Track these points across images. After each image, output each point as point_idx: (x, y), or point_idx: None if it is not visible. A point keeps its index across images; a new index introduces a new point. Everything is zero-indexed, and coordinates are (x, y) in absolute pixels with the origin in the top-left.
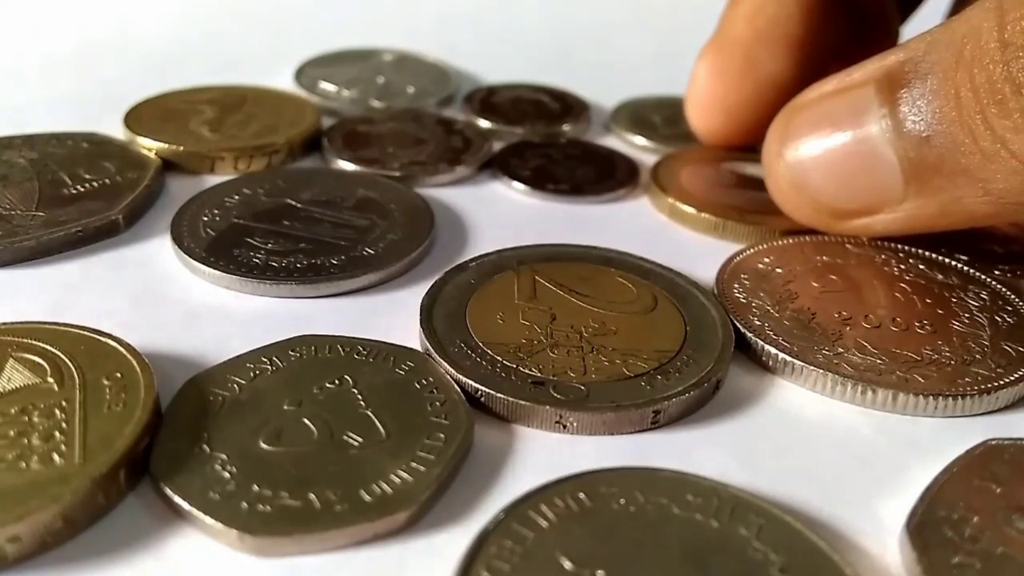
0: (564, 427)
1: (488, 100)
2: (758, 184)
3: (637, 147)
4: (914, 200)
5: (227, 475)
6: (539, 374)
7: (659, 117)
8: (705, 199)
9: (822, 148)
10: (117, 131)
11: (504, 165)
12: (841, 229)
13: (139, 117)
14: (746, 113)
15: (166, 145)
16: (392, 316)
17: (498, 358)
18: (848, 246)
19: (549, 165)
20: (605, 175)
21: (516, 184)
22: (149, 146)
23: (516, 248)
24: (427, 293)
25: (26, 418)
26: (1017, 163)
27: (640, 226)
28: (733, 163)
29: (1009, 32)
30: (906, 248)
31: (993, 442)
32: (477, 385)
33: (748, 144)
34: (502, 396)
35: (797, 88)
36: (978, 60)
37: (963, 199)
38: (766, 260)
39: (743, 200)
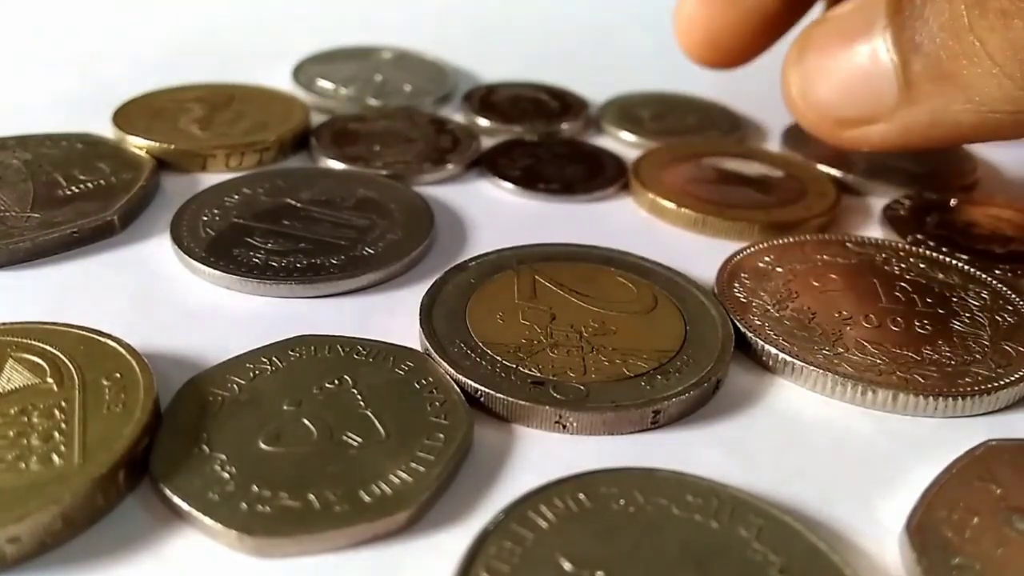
0: (564, 427)
1: (487, 99)
2: (739, 179)
3: (625, 143)
4: (906, 108)
5: (226, 476)
6: (539, 374)
7: (647, 112)
8: (685, 194)
9: (830, 59)
10: (110, 131)
11: (492, 165)
12: (840, 138)
13: (128, 116)
14: (730, 38)
15: (157, 144)
16: (392, 316)
17: (498, 358)
18: (849, 245)
19: (538, 165)
20: (594, 173)
21: (505, 184)
22: (140, 145)
23: (516, 248)
24: (427, 293)
25: (25, 419)
26: (993, 65)
27: (636, 225)
28: (714, 158)
29: None
30: (907, 247)
31: (993, 442)
32: (477, 385)
33: (731, 66)
34: (502, 396)
35: (783, 18)
36: None
37: (950, 108)
38: (766, 259)
39: (724, 195)
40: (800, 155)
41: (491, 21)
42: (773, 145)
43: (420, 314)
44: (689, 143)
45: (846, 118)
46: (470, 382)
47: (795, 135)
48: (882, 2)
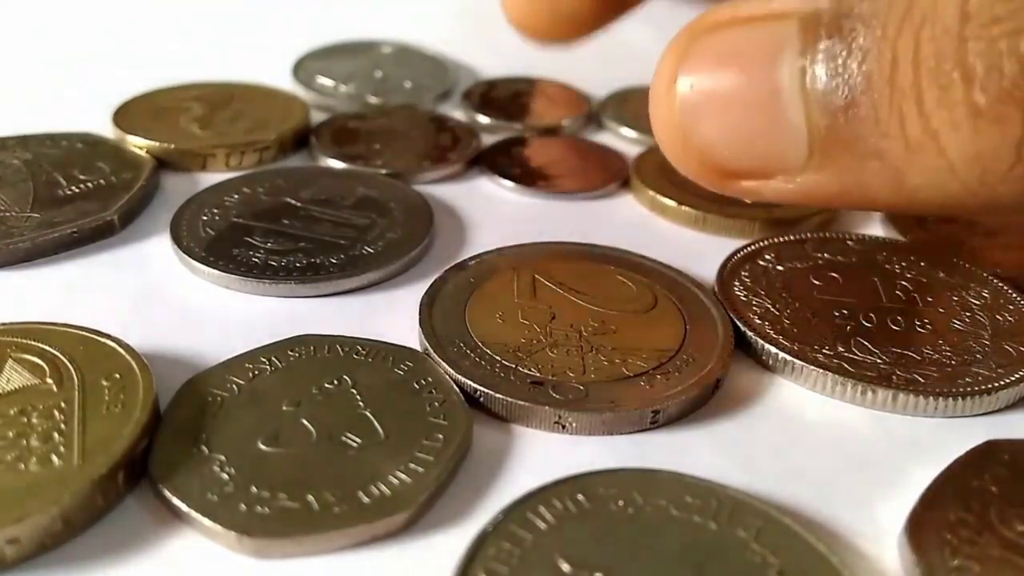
0: (563, 427)
1: (488, 95)
2: None
3: (626, 139)
4: (814, 174)
5: (225, 476)
6: (538, 374)
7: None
8: (686, 191)
9: (723, 90)
10: (110, 131)
11: (492, 163)
12: (725, 189)
13: (128, 116)
14: (547, 24)
15: (157, 143)
16: (392, 315)
17: (497, 358)
18: (850, 243)
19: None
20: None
21: (505, 182)
22: (140, 144)
23: (516, 246)
24: (426, 292)
25: (25, 419)
26: (945, 163)
27: (636, 222)
28: None
29: (974, 3)
30: (908, 245)
31: (992, 443)
32: (476, 385)
33: (566, 40)
34: (501, 396)
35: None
36: (929, 26)
37: (869, 185)
38: (767, 258)
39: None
40: None
41: (491, 14)
42: None
43: (419, 314)
44: None
45: (737, 170)
46: (469, 382)
47: None
48: (793, 24)
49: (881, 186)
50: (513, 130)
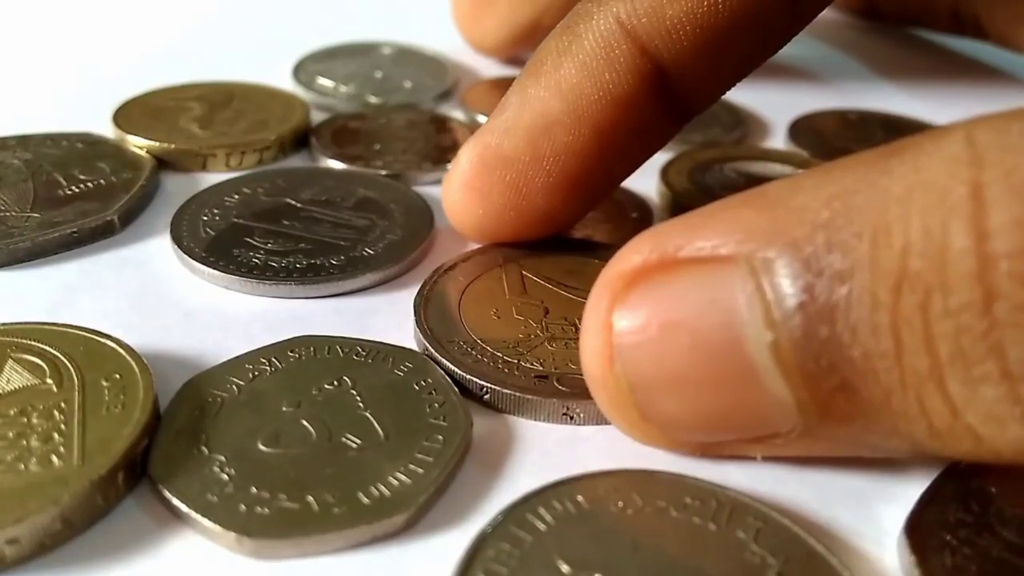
0: (571, 418)
1: (487, 95)
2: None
3: None
4: (808, 440)
5: (225, 477)
6: (541, 368)
7: None
8: (708, 198)
9: (680, 372)
10: (110, 131)
11: None
12: (704, 454)
13: (128, 115)
14: (505, 234)
15: (157, 143)
16: (391, 316)
17: (499, 354)
18: None
19: None
20: None
21: None
22: (140, 144)
23: (501, 244)
24: (418, 294)
25: (25, 419)
26: (987, 450)
27: None
28: (737, 163)
29: (1000, 274)
30: None
31: None
32: (482, 382)
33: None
34: (509, 392)
35: (568, 217)
36: (939, 298)
37: (876, 445)
38: None
39: None
40: (808, 153)
41: None
42: (778, 142)
43: (415, 316)
44: (707, 149)
45: (712, 443)
46: (476, 379)
47: (801, 131)
48: (742, 268)
49: (893, 444)
50: None
